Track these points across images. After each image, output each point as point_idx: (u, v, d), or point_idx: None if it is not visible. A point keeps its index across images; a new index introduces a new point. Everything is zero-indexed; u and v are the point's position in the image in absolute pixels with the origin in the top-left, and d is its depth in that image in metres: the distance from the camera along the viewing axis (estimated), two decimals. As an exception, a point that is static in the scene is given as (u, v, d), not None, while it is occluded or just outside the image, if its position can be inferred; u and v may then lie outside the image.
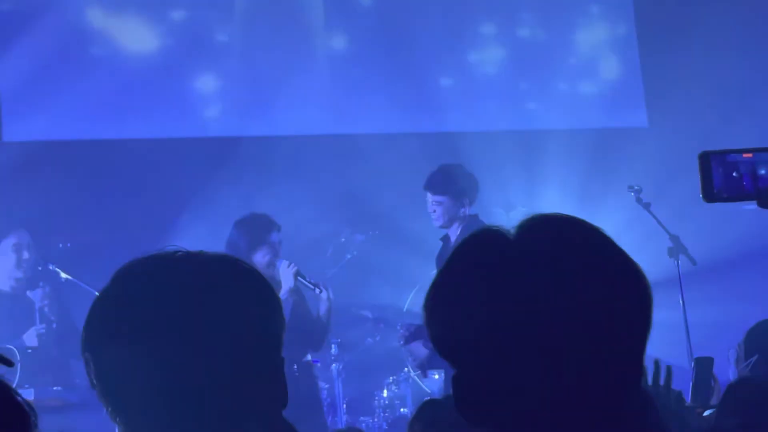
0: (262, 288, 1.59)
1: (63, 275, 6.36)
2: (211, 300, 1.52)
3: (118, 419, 1.52)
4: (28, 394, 5.82)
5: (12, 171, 7.32)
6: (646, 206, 6.72)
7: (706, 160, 2.09)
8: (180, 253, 1.59)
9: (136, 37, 7.92)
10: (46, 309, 6.23)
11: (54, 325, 6.15)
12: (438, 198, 6.47)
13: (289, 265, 6.20)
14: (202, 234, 7.38)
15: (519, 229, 1.40)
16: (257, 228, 6.26)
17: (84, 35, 7.83)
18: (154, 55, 7.95)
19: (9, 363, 1.28)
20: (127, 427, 1.51)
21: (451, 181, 6.49)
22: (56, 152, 7.62)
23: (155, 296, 1.52)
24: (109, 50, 7.86)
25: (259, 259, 6.21)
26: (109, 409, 1.52)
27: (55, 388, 6.02)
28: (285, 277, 6.18)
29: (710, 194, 2.07)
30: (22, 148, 7.52)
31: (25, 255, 6.37)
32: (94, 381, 1.53)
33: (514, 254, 1.37)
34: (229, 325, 1.51)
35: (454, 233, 6.48)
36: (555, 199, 7.96)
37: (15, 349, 5.84)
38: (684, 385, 3.43)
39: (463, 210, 6.48)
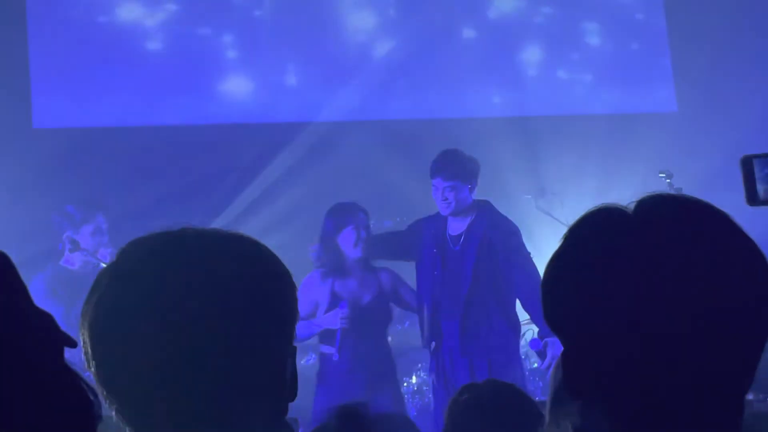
0: (282, 275, 1.50)
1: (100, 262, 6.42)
2: (218, 283, 1.43)
3: (113, 403, 1.45)
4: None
5: (43, 158, 7.36)
6: (678, 191, 6.68)
7: (749, 163, 2.09)
8: (189, 230, 1.49)
9: (167, 22, 7.93)
10: None
11: None
12: (451, 183, 6.27)
13: (342, 316, 6.13)
14: (230, 222, 7.40)
15: (639, 208, 1.37)
16: (342, 211, 6.29)
17: (117, 21, 7.84)
18: (185, 39, 7.97)
19: (73, 344, 1.26)
20: (121, 411, 1.46)
21: (460, 165, 6.33)
22: (86, 139, 7.65)
23: (159, 276, 1.43)
24: (140, 35, 7.88)
25: (344, 239, 6.25)
26: (104, 391, 1.45)
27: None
28: (331, 320, 6.16)
29: (754, 198, 2.07)
30: (53, 134, 7.56)
31: (104, 239, 6.46)
32: (91, 361, 1.46)
33: (635, 233, 1.34)
34: (235, 310, 1.43)
35: (463, 221, 6.34)
36: (585, 184, 7.93)
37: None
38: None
39: (472, 195, 6.36)
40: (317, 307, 6.27)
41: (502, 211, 6.50)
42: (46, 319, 1.20)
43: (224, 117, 8.02)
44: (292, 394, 1.50)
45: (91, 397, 1.21)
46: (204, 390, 1.42)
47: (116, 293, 1.45)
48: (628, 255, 1.33)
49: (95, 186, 7.40)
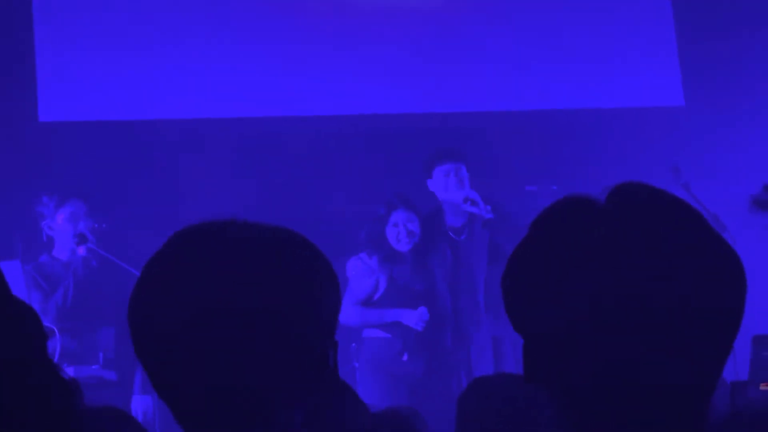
0: (322, 266, 1.53)
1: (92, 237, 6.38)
2: (261, 275, 1.46)
3: (161, 394, 1.49)
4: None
5: (50, 151, 7.36)
6: (685, 186, 6.66)
7: None
8: (235, 222, 1.53)
9: (174, 15, 7.91)
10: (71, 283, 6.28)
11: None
12: (461, 165, 6.56)
13: (424, 319, 6.20)
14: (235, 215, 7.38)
15: (610, 199, 1.32)
16: (388, 205, 6.37)
17: (121, 12, 7.82)
18: (192, 32, 7.94)
19: (51, 334, 1.27)
20: (169, 403, 1.49)
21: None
22: (93, 132, 7.64)
23: (206, 269, 1.46)
24: (143, 29, 7.85)
25: (389, 233, 6.34)
26: (154, 382, 1.49)
27: (93, 366, 6.06)
28: (412, 318, 6.22)
29: None
30: (59, 128, 7.55)
31: (81, 225, 6.40)
32: (138, 354, 1.50)
33: (603, 225, 1.29)
34: (280, 305, 1.45)
35: (464, 212, 6.50)
36: (589, 179, 7.90)
37: (55, 329, 5.88)
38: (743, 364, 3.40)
39: None
40: (376, 290, 6.35)
41: (511, 204, 6.63)
42: (29, 313, 1.21)
43: (229, 111, 7.98)
44: (334, 388, 1.54)
45: (73, 388, 1.23)
46: (243, 384, 1.44)
47: (160, 283, 1.48)
48: (595, 248, 1.28)
49: (100, 180, 7.39)
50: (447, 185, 6.53)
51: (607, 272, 1.26)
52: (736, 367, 4.84)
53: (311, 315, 1.48)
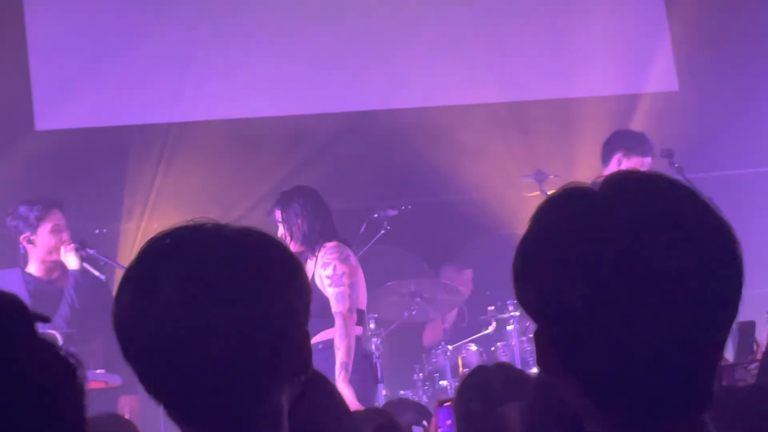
0: (288, 261, 1.62)
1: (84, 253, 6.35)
2: (240, 274, 1.55)
3: (151, 394, 1.57)
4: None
5: (46, 159, 7.36)
6: (679, 170, 6.67)
7: None
8: (208, 225, 1.61)
9: (169, 22, 7.92)
10: (74, 294, 6.24)
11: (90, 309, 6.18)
12: None
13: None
14: (234, 216, 7.41)
15: (605, 185, 1.36)
16: (279, 200, 6.01)
17: (118, 18, 7.83)
18: (188, 36, 7.95)
19: (46, 319, 1.32)
20: (159, 400, 1.57)
21: None
22: (89, 139, 7.66)
23: (182, 270, 1.55)
24: (139, 34, 7.86)
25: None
26: (144, 385, 1.57)
27: (98, 371, 6.07)
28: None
29: None
30: (56, 136, 7.56)
31: (64, 237, 6.35)
32: (126, 358, 1.58)
33: (599, 210, 1.34)
34: (253, 300, 1.55)
35: None
36: (587, 167, 7.92)
37: (57, 334, 5.88)
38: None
39: None
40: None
41: (509, 195, 6.68)
42: (13, 299, 1.26)
43: (223, 112, 7.98)
44: (308, 373, 1.62)
45: (73, 362, 1.27)
46: (226, 377, 1.53)
47: (138, 289, 1.57)
48: (594, 233, 1.32)
49: (99, 186, 7.41)
50: None
51: (608, 256, 1.30)
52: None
53: (283, 308, 1.58)
